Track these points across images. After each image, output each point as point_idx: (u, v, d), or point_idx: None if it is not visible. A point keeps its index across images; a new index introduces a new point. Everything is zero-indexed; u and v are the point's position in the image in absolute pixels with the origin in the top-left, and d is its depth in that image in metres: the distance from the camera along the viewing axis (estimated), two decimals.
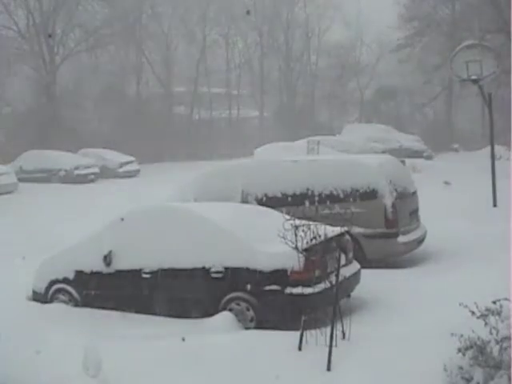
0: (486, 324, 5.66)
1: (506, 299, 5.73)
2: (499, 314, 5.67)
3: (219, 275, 8.07)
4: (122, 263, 8.69)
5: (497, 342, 5.50)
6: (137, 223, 8.90)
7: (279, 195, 11.30)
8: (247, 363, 6.41)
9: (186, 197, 11.46)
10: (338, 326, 6.74)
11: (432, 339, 6.34)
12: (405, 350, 6.32)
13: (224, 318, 7.82)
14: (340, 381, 6.00)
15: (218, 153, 35.62)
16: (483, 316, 5.68)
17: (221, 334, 7.25)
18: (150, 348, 6.76)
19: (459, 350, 5.66)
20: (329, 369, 6.23)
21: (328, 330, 6.50)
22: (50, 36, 38.77)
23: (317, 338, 6.61)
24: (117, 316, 8.45)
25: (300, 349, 6.64)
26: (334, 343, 6.38)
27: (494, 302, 5.73)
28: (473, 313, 5.73)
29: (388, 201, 10.74)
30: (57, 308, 8.93)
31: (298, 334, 6.69)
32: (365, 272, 8.99)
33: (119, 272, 8.71)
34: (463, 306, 5.79)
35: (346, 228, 8.25)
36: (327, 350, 6.31)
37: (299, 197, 11.14)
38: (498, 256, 8.65)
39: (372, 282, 9.02)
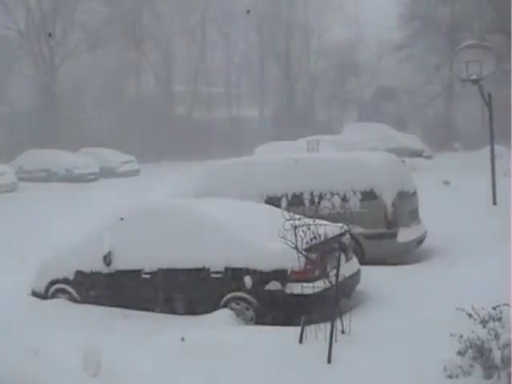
0: (484, 327, 5.67)
1: (505, 305, 5.72)
2: (499, 319, 5.67)
3: (219, 275, 8.07)
4: (121, 263, 8.69)
5: (498, 348, 5.50)
6: (136, 222, 8.88)
7: (279, 194, 11.28)
8: (247, 356, 6.42)
9: (186, 194, 11.47)
10: (338, 323, 6.76)
11: (431, 335, 6.35)
12: (404, 345, 6.34)
13: (223, 314, 7.85)
14: (340, 373, 6.03)
15: (218, 153, 35.60)
16: (483, 322, 5.68)
17: (220, 328, 7.26)
18: (150, 344, 6.76)
19: (459, 353, 5.66)
20: (329, 361, 6.26)
21: (327, 325, 6.53)
22: (50, 36, 38.76)
23: (316, 333, 6.64)
24: (117, 312, 8.46)
25: (301, 342, 6.67)
26: (334, 338, 6.40)
27: (494, 308, 5.73)
28: (470, 316, 5.74)
29: (388, 200, 10.73)
30: (57, 304, 8.93)
31: (297, 328, 6.72)
32: (365, 268, 9.00)
33: (119, 272, 8.71)
34: (461, 310, 5.82)
35: (346, 228, 8.25)
36: (327, 343, 6.34)
37: (299, 195, 11.13)
38: (498, 254, 8.67)
39: (372, 279, 9.04)
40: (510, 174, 16.34)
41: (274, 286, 7.78)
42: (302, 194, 11.13)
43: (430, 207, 12.68)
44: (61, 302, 9.02)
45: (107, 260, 8.73)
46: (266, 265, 7.82)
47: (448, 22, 38.57)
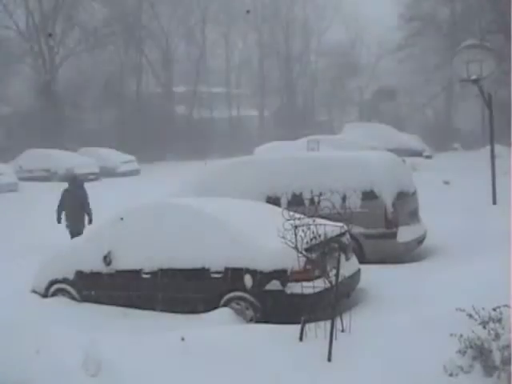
0: (484, 328, 5.68)
1: (505, 306, 5.72)
2: (499, 320, 5.67)
3: (219, 275, 8.07)
4: (121, 263, 8.69)
5: (498, 349, 5.50)
6: (136, 222, 8.87)
7: (279, 193, 11.28)
8: (248, 355, 6.41)
9: (186, 193, 11.47)
10: (338, 322, 6.76)
11: (431, 335, 6.35)
12: (404, 344, 6.34)
13: (223, 313, 7.86)
14: (341, 371, 6.03)
15: (218, 152, 35.69)
16: (483, 323, 5.69)
17: (220, 328, 7.27)
18: (150, 344, 6.76)
19: (459, 352, 5.67)
20: (329, 359, 6.26)
21: (327, 324, 6.53)
22: (50, 36, 38.82)
23: (316, 331, 6.65)
24: (117, 311, 8.46)
25: (301, 340, 6.67)
26: (334, 337, 6.40)
27: (495, 309, 5.73)
28: (471, 316, 5.74)
29: (388, 200, 10.73)
30: (57, 303, 8.94)
31: (298, 327, 6.72)
32: (365, 267, 8.99)
33: (119, 272, 8.71)
34: (461, 310, 5.82)
35: (346, 227, 8.24)
36: (327, 341, 6.34)
37: (299, 195, 11.13)
38: (498, 253, 8.66)
39: (372, 279, 9.03)
40: (509, 174, 16.35)
41: (274, 285, 7.79)
42: (301, 193, 11.13)
43: (430, 207, 12.69)
44: (61, 301, 9.03)
45: (107, 260, 8.73)
46: (266, 264, 7.82)
47: (448, 22, 38.61)
